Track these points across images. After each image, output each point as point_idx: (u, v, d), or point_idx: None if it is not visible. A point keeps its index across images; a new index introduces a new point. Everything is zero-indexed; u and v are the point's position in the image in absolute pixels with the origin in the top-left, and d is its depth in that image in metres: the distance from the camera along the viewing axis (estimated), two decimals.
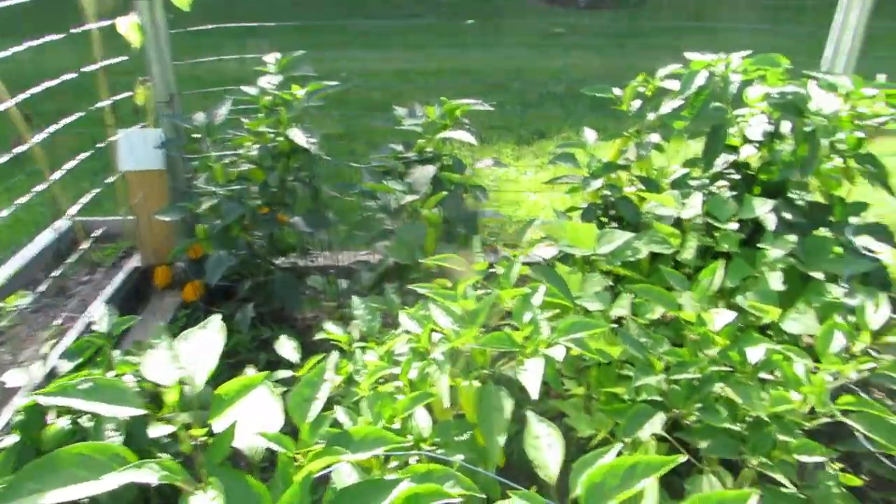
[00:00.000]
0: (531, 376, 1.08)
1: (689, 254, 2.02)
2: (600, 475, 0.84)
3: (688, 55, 2.19)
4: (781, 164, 2.02)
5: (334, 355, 1.00)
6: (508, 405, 1.12)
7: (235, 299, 2.44)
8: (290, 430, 0.92)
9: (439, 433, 1.23)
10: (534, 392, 1.05)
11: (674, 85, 2.20)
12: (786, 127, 2.15)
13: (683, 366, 1.42)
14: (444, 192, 2.04)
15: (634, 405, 1.39)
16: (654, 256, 2.27)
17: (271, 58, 2.27)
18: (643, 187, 2.33)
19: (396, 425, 1.22)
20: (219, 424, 0.79)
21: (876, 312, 1.43)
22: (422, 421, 1.25)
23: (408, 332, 1.42)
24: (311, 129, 2.08)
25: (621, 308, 1.85)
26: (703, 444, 1.37)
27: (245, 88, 2.25)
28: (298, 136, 2.06)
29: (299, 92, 2.12)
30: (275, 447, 0.82)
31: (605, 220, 2.45)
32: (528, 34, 6.92)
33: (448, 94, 2.24)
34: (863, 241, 2.10)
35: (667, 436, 1.47)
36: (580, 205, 2.44)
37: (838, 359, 1.40)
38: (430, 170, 1.99)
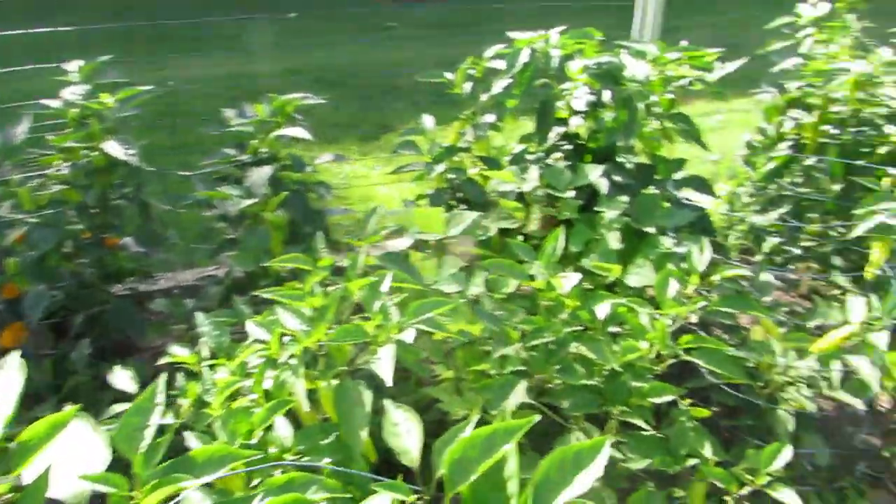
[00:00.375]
0: (384, 364, 1.05)
1: (534, 225, 2.09)
2: (460, 450, 0.82)
3: (511, 34, 2.26)
4: (606, 131, 2.13)
5: (163, 376, 0.91)
6: (369, 399, 1.08)
7: (69, 337, 2.21)
8: (124, 466, 0.82)
9: (303, 440, 1.17)
10: (387, 379, 1.02)
11: (501, 65, 2.26)
12: (607, 95, 2.27)
13: (539, 331, 1.45)
14: (285, 193, 1.96)
15: (498, 378, 1.40)
16: (505, 232, 2.33)
17: (73, 66, 2.06)
18: (485, 167, 2.38)
19: (257, 440, 1.15)
20: (28, 474, 0.68)
21: (701, 255, 1.54)
22: (282, 431, 1.18)
23: (258, 340, 1.34)
24: (129, 141, 1.91)
25: (477, 286, 1.88)
26: (565, 404, 1.41)
27: (46, 101, 2.03)
28: (115, 148, 1.88)
29: (109, 100, 1.94)
30: (102, 488, 0.73)
31: (453, 203, 2.48)
32: (361, 30, 6.88)
33: (283, 94, 2.15)
34: (685, 194, 2.28)
35: (534, 402, 1.51)
36: (428, 192, 2.45)
37: (675, 303, 1.50)
38: (266, 171, 1.90)
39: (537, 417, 0.85)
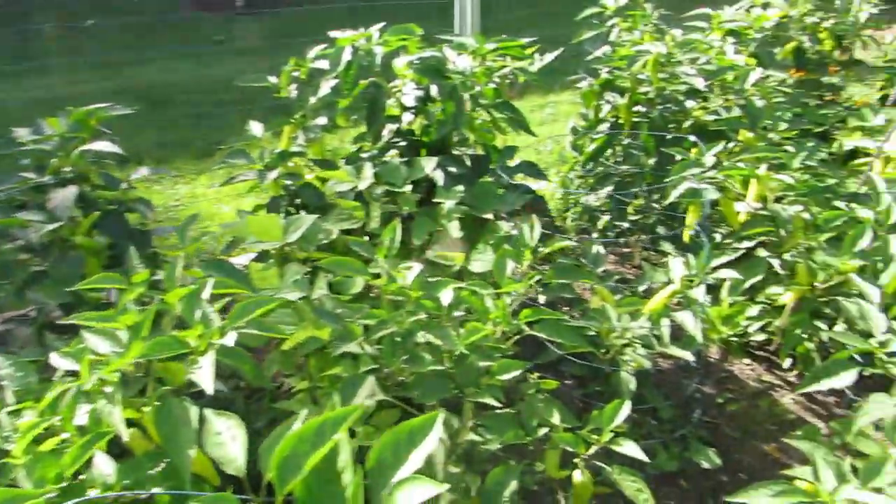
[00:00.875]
0: (204, 373, 0.97)
1: (375, 223, 2.06)
2: (289, 447, 0.77)
3: (332, 34, 2.22)
4: (436, 124, 2.15)
5: None
6: (195, 415, 0.99)
7: None
8: None
9: (128, 473, 1.06)
10: (208, 388, 0.94)
11: (326, 65, 2.21)
12: (434, 90, 2.30)
13: (382, 324, 1.42)
14: (97, 214, 1.79)
15: (346, 378, 1.35)
16: (348, 233, 2.29)
17: None
18: (321, 170, 2.32)
19: (67, 483, 1.02)
20: None
21: (532, 233, 1.58)
22: (103, 467, 1.06)
23: (69, 373, 1.20)
24: None
25: (321, 289, 1.82)
26: (416, 393, 1.39)
27: None
28: None
29: None
30: None
31: (292, 210, 2.40)
32: (188, 45, 6.54)
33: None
34: (518, 180, 2.36)
35: (389, 398, 1.47)
36: (266, 201, 2.35)
37: (512, 281, 1.53)
38: (70, 191, 1.72)
39: (369, 402, 0.82)
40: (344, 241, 2.26)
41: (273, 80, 2.28)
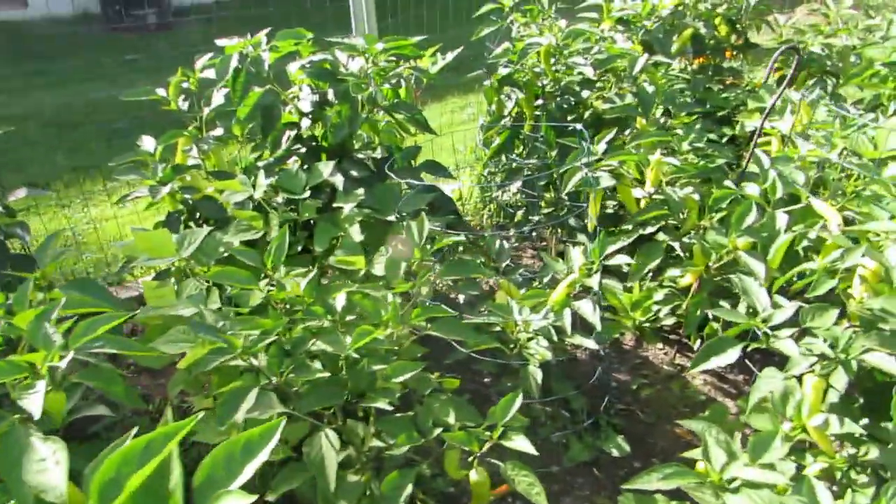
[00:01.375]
0: (32, 399, 0.90)
1: (275, 231, 2.00)
2: (112, 469, 0.72)
3: (219, 42, 2.15)
4: (332, 127, 2.11)
5: None
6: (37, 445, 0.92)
7: None
8: None
9: None
10: (35, 413, 0.88)
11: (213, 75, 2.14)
12: (331, 93, 2.26)
13: (265, 334, 1.37)
14: None
15: (228, 391, 1.29)
16: (252, 245, 2.22)
17: None
18: (218, 182, 2.25)
19: None
20: None
21: (419, 230, 1.55)
22: None
23: None
24: None
25: (215, 303, 1.75)
26: (305, 402, 1.34)
27: None
28: None
29: None
30: None
31: (192, 224, 2.31)
32: (99, 66, 6.31)
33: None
34: (430, 179, 2.34)
35: (285, 409, 1.42)
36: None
37: (402, 281, 1.49)
38: None
39: (202, 414, 0.77)
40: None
41: (161, 92, 2.20)
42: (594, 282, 1.68)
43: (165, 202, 2.21)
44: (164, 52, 6.46)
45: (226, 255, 2.04)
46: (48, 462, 0.81)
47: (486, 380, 2.19)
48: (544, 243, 2.86)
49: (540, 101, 2.40)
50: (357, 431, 1.54)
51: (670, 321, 2.22)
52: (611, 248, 1.77)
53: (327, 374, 1.34)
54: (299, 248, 2.10)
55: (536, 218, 2.54)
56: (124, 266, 2.07)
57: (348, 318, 1.54)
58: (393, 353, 1.51)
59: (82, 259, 3.05)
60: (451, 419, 1.40)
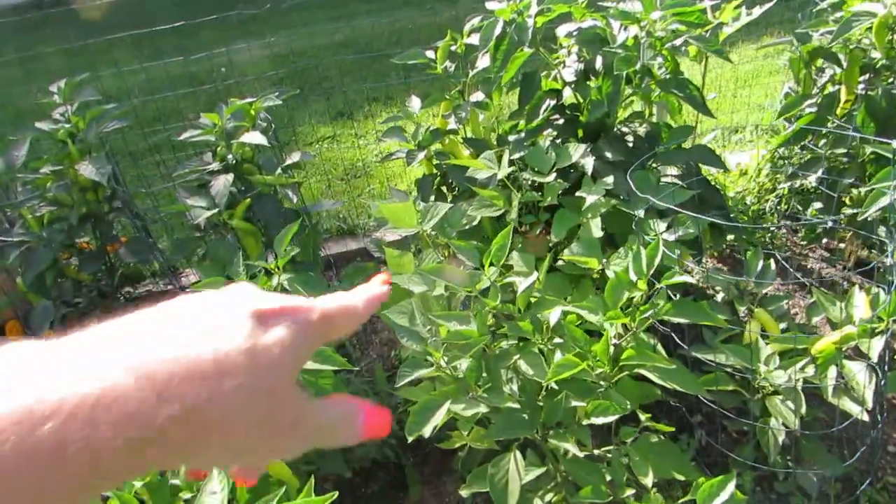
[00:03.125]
0: None
1: (514, 213, 1.95)
2: None
3: (489, 5, 2.07)
4: (590, 104, 1.93)
5: None
6: None
7: None
8: None
9: None
10: None
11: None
12: (599, 63, 2.06)
13: (466, 349, 1.34)
14: (248, 200, 1.93)
15: (421, 404, 1.32)
16: (498, 220, 2.20)
17: (55, 87, 2.11)
18: (473, 149, 2.24)
19: None
20: None
21: (646, 261, 1.35)
22: None
23: None
24: (101, 160, 1.94)
25: (440, 288, 1.78)
26: (492, 429, 1.31)
27: (39, 125, 2.10)
28: (88, 170, 1.92)
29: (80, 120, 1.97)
30: None
31: (444, 189, 2.36)
32: None
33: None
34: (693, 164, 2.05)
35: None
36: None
37: (619, 313, 1.33)
38: (224, 179, 1.87)
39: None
40: (490, 227, 2.20)
41: (430, 55, 2.22)
42: (875, 348, 1.32)
43: (423, 164, 2.28)
44: None
45: (467, 227, 2.07)
46: None
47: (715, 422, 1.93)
48: (842, 245, 2.35)
49: (861, 85, 1.90)
50: (556, 458, 1.48)
51: None
52: None
53: (518, 407, 1.28)
54: (538, 231, 2.02)
55: (831, 220, 2.08)
56: (378, 226, 2.21)
57: (556, 339, 1.44)
58: (599, 386, 1.38)
59: (355, 200, 3.32)
60: (649, 481, 1.25)
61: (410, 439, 1.27)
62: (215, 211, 1.85)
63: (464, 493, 1.54)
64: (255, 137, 1.86)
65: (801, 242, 2.42)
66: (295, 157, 2.03)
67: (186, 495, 1.08)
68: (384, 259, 2.89)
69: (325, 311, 0.38)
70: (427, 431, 1.27)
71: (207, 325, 0.33)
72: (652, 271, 1.31)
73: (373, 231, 2.99)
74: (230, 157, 1.97)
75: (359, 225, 3.02)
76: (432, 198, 2.25)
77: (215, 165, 1.98)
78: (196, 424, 0.30)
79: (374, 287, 0.43)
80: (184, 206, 1.89)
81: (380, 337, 2.53)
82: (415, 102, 2.31)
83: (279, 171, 2.01)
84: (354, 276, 2.32)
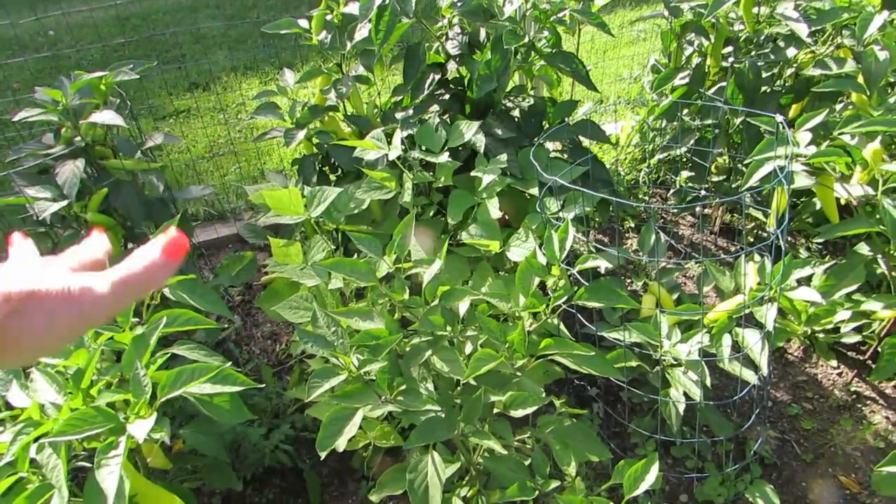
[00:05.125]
0: (107, 477, 0.83)
1: (408, 196, 1.85)
2: None
3: None
4: (479, 80, 1.86)
5: None
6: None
7: None
8: None
9: None
10: (108, 496, 0.82)
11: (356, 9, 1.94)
12: (483, 34, 2.00)
13: (377, 350, 1.25)
14: (104, 189, 1.69)
15: (331, 414, 1.21)
16: (386, 202, 2.10)
17: None
18: (355, 127, 2.11)
19: None
20: None
21: (559, 244, 1.32)
22: None
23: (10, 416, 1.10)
24: None
25: (337, 279, 1.67)
26: (412, 437, 1.23)
27: None
28: None
29: None
30: None
31: (326, 170, 2.22)
32: None
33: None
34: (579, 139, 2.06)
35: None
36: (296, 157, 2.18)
37: (535, 299, 1.30)
38: (72, 166, 1.61)
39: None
40: (378, 210, 2.09)
41: (304, 24, 2.05)
42: (769, 316, 1.38)
43: (301, 145, 2.11)
44: None
45: (356, 211, 1.95)
46: None
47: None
48: (707, 211, 2.50)
49: (730, 56, 1.98)
50: (468, 450, 1.43)
51: (853, 339, 1.87)
52: (797, 273, 1.44)
53: (438, 410, 1.21)
54: (432, 213, 1.95)
55: (703, 188, 2.19)
56: (254, 213, 2.03)
57: (469, 332, 1.38)
58: (515, 376, 1.34)
59: (223, 180, 3.06)
60: (573, 469, 1.24)
61: (323, 455, 1.16)
62: (65, 203, 1.60)
63: (374, 497, 1.46)
64: (108, 117, 1.61)
65: (673, 211, 2.54)
66: (157, 138, 1.80)
67: None
68: (260, 245, 2.71)
69: (119, 279, 0.41)
70: (341, 445, 1.17)
71: None
72: (565, 255, 1.28)
73: (244, 214, 2.76)
74: (78, 139, 1.70)
75: (228, 209, 2.78)
76: (314, 179, 2.10)
77: (60, 149, 1.70)
78: None
79: (170, 234, 0.44)
80: (24, 199, 1.61)
81: (261, 331, 2.36)
82: (288, 76, 2.13)
83: (139, 154, 1.77)
84: (231, 267, 2.13)
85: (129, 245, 1.85)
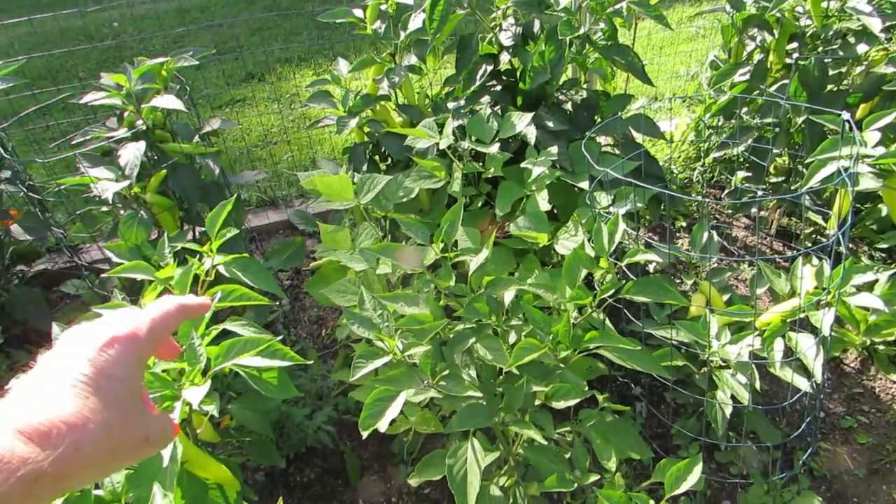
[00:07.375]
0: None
1: (457, 185, 1.86)
2: None
3: None
4: (531, 71, 1.85)
5: None
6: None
7: None
8: None
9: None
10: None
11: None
12: (538, 25, 1.98)
13: (421, 334, 1.25)
14: (163, 171, 1.74)
15: (373, 397, 1.22)
16: (434, 191, 2.10)
17: None
18: (406, 116, 2.12)
19: None
20: None
21: (610, 236, 1.30)
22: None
23: None
24: None
25: (385, 264, 1.68)
26: (453, 421, 1.23)
27: None
28: None
29: None
30: None
31: (377, 159, 2.24)
32: None
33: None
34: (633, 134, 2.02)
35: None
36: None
37: (581, 290, 1.28)
38: (134, 148, 1.66)
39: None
40: (426, 199, 2.10)
41: (359, 13, 2.07)
42: (826, 321, 1.34)
43: (353, 132, 2.14)
44: None
45: (405, 199, 1.96)
46: None
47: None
48: (763, 213, 2.42)
49: (794, 52, 1.91)
50: (508, 440, 1.43)
51: None
52: (858, 279, 1.38)
53: (479, 396, 1.21)
54: (480, 204, 1.94)
55: (760, 188, 2.13)
56: (304, 200, 2.06)
57: (514, 321, 1.38)
58: (559, 368, 1.33)
59: (275, 168, 3.12)
60: (613, 464, 1.22)
61: (365, 435, 1.17)
62: (126, 184, 1.65)
63: (413, 481, 1.47)
64: (169, 101, 1.66)
65: (727, 211, 2.48)
66: (214, 123, 1.84)
67: None
68: (310, 232, 2.75)
69: (153, 322, 0.45)
70: (383, 426, 1.18)
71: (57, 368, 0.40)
72: (613, 248, 1.26)
73: (295, 201, 2.81)
74: (140, 122, 1.76)
75: (279, 196, 2.83)
76: (364, 167, 2.12)
77: (123, 132, 1.76)
78: (71, 461, 0.37)
79: (197, 298, 0.49)
80: (89, 178, 1.67)
81: (308, 315, 2.40)
82: (342, 65, 2.16)
83: (197, 138, 1.82)
84: (281, 252, 2.17)
85: (185, 226, 1.91)
